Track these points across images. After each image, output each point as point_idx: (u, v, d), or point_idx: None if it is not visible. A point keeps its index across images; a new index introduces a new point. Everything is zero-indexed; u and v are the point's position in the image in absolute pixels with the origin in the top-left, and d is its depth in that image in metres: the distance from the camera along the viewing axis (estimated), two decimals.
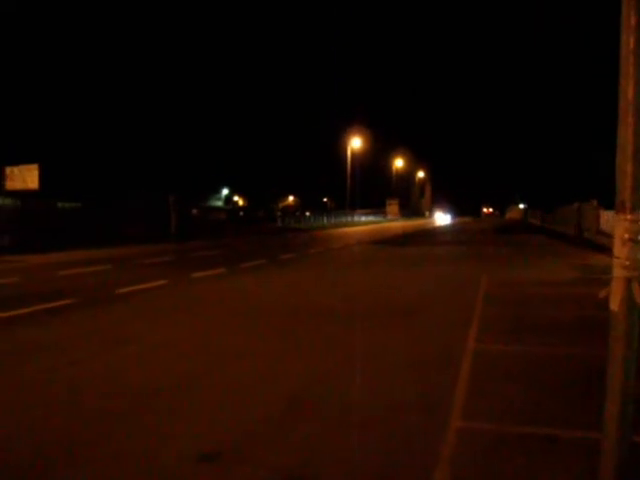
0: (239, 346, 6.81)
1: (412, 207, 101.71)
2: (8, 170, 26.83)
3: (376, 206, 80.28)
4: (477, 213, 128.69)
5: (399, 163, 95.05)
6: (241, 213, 56.40)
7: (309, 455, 3.80)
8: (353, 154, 62.44)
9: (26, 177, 25.87)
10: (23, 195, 26.65)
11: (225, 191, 71.12)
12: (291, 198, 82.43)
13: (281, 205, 72.55)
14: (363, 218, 70.09)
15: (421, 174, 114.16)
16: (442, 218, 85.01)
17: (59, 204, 29.07)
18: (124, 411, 4.65)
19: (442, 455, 3.74)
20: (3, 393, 5.18)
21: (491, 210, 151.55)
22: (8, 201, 27.73)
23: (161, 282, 12.56)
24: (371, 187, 78.80)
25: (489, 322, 7.96)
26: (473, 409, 4.60)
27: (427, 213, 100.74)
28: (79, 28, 53.60)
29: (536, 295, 10.50)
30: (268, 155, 72.73)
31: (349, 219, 64.96)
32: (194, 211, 42.24)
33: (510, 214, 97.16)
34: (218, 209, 57.16)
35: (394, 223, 63.62)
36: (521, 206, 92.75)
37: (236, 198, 73.88)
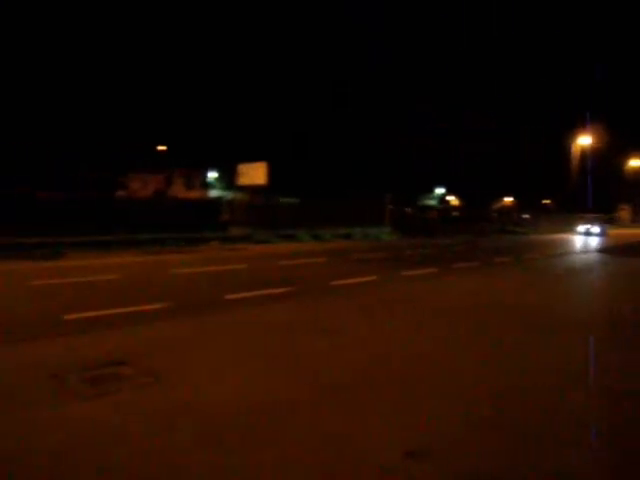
0: (441, 346, 6.60)
1: None
2: (240, 167, 29.47)
3: (605, 210, 73.38)
4: None
5: (637, 163, 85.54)
6: (454, 213, 55.44)
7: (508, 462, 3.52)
8: (581, 154, 57.70)
9: (255, 174, 28.13)
10: (252, 190, 29.14)
11: (440, 190, 70.48)
12: (508, 199, 78.87)
13: (497, 206, 69.85)
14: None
15: None
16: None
17: (281, 199, 31.25)
18: (326, 400, 4.75)
19: None
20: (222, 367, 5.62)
21: None
22: (239, 196, 30.63)
23: (372, 277, 12.78)
24: (600, 190, 72.27)
25: None
26: None
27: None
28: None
29: None
30: (485, 155, 70.52)
31: (571, 223, 60.16)
32: (407, 210, 42.56)
33: None
34: (431, 208, 56.88)
35: (624, 230, 57.56)
36: None
37: (451, 197, 72.80)
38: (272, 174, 27.80)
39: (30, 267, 13.93)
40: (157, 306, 8.60)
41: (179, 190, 40.74)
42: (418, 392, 4.99)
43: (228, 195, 34.48)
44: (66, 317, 7.69)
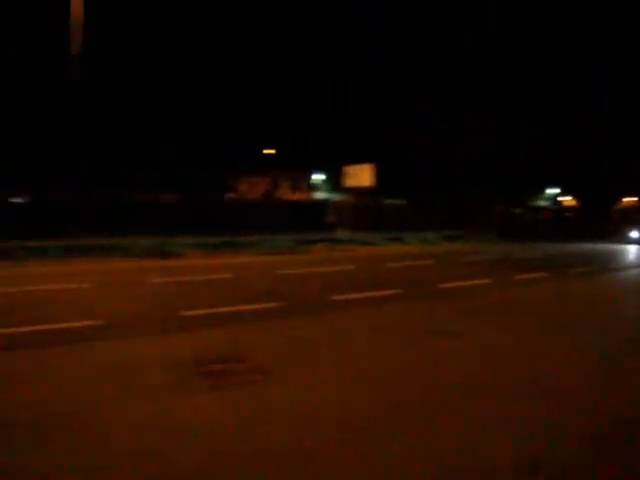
0: (553, 352, 6.26)
1: None
2: (346, 169, 29.68)
3: None
4: None
5: None
6: (567, 214, 52.80)
7: None
8: None
9: (361, 175, 28.17)
10: (358, 192, 29.22)
11: (553, 190, 67.30)
12: (630, 199, 73.73)
13: (618, 206, 65.59)
14: None
15: None
16: None
17: (388, 201, 31.13)
18: (438, 402, 4.62)
19: None
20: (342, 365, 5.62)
21: None
22: (346, 197, 30.85)
23: (484, 281, 12.37)
24: None
25: None
26: None
27: None
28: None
29: None
30: (605, 153, 66.44)
31: None
32: (517, 210, 41.05)
33: None
34: (542, 209, 54.56)
35: None
36: None
37: (567, 198, 69.28)
38: (379, 175, 27.71)
39: (149, 265, 14.73)
40: (268, 305, 8.79)
41: (285, 192, 41.67)
42: (534, 400, 4.74)
43: (334, 197, 34.81)
44: (183, 313, 8.03)
